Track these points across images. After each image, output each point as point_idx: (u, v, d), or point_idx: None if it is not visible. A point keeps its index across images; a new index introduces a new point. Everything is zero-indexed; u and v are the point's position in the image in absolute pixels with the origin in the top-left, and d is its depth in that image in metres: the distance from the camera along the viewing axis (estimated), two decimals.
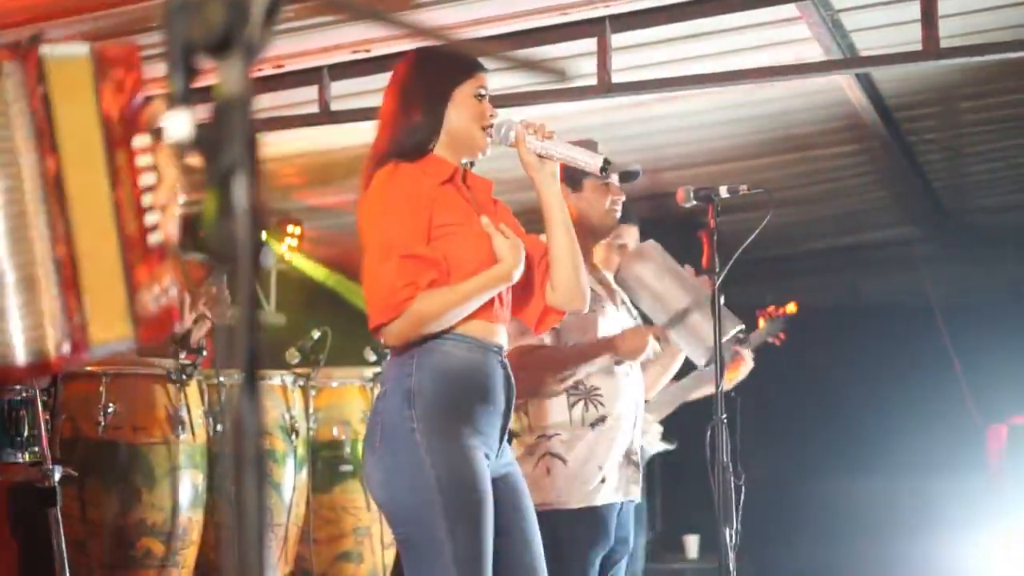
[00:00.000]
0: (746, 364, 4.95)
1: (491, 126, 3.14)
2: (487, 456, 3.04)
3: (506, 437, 3.16)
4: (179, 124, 1.39)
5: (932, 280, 8.61)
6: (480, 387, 3.06)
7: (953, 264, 8.82)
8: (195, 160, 1.39)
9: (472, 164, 3.27)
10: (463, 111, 3.12)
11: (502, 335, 3.15)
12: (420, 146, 3.11)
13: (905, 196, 7.75)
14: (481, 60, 3.20)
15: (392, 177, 3.03)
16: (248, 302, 1.33)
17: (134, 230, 1.84)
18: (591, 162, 3.14)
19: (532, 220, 3.32)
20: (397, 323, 2.95)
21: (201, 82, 1.40)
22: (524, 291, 3.26)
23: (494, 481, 3.07)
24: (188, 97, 1.39)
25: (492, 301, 3.09)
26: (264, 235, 1.36)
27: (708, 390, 4.89)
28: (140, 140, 1.85)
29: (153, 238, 1.85)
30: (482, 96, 3.14)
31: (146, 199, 1.85)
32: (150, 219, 1.85)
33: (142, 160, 1.85)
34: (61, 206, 1.77)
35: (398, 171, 3.04)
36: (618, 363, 3.95)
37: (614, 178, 3.99)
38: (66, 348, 1.76)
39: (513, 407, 3.16)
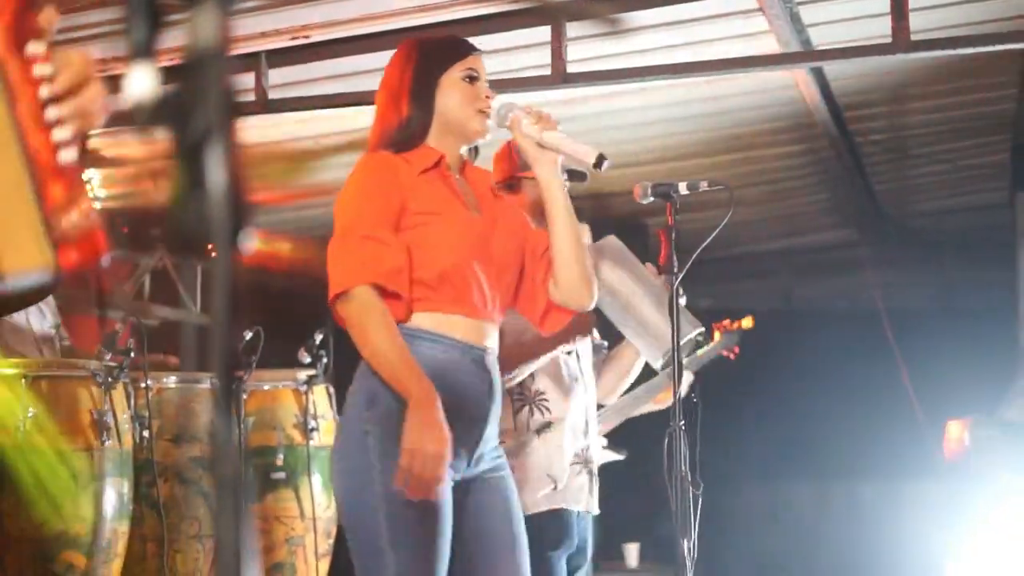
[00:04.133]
0: (684, 381, 4.79)
1: (486, 109, 3.03)
2: (452, 465, 2.88)
3: (490, 442, 3.02)
4: (141, 83, 1.17)
5: (871, 284, 8.58)
6: (449, 393, 2.90)
7: (889, 268, 8.81)
8: (160, 127, 1.17)
9: (476, 152, 3.16)
10: (452, 97, 3.02)
11: (489, 335, 3.02)
12: (411, 139, 3.02)
13: (846, 199, 7.71)
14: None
15: (366, 163, 2.98)
16: (225, 298, 1.12)
17: (40, 146, 1.62)
18: (584, 152, 3.00)
19: None
20: (345, 304, 2.86)
21: (167, 32, 1.18)
22: (525, 287, 3.14)
23: (469, 486, 2.97)
24: (151, 50, 1.17)
25: (474, 298, 2.96)
26: (243, 215, 1.14)
27: (652, 407, 4.75)
28: (35, 47, 1.63)
29: (64, 156, 1.64)
30: (474, 78, 3.03)
31: (51, 112, 1.63)
32: (58, 135, 1.64)
33: (40, 69, 1.63)
34: None
35: (373, 157, 2.98)
36: (568, 352, 3.80)
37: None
38: None
39: (495, 412, 3.02)
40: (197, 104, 1.13)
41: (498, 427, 3.07)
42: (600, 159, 2.98)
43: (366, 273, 2.85)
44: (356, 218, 2.91)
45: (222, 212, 1.12)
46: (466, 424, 2.93)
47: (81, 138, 1.68)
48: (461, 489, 2.95)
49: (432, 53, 3.06)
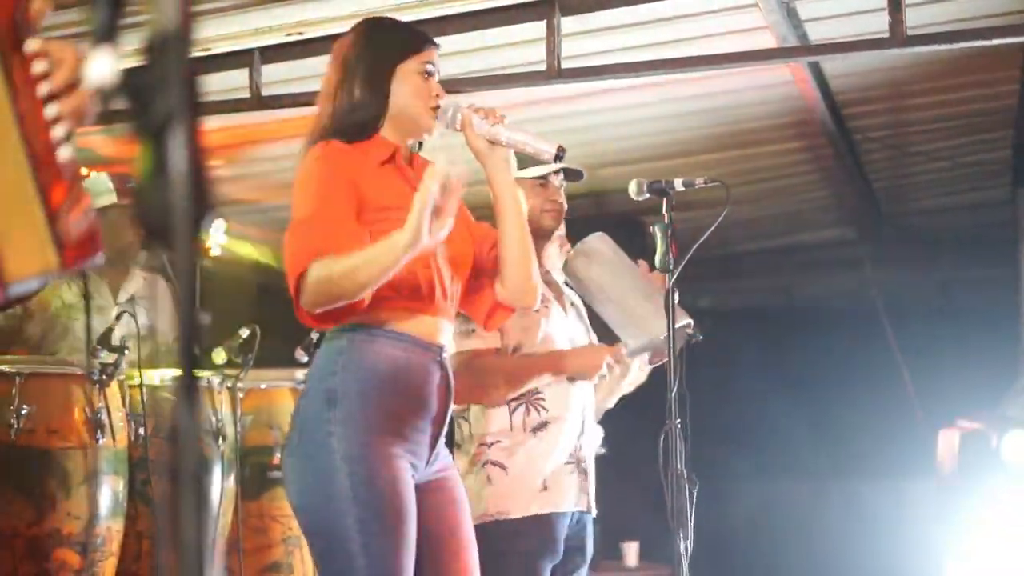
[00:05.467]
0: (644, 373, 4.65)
1: (438, 107, 2.93)
2: (414, 465, 2.85)
3: (442, 442, 2.97)
4: (102, 66, 1.15)
5: (870, 282, 8.56)
6: (411, 391, 2.86)
7: (888, 266, 8.77)
8: (122, 110, 1.15)
9: (420, 146, 3.06)
10: (407, 88, 2.91)
11: (444, 332, 2.94)
12: (363, 126, 2.91)
13: (844, 197, 7.68)
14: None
15: (322, 155, 2.84)
16: (187, 284, 1.10)
17: (42, 147, 1.61)
18: (544, 149, 2.92)
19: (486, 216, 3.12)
20: (302, 297, 2.73)
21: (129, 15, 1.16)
22: (473, 284, 3.05)
23: (423, 488, 2.90)
24: (113, 33, 1.15)
25: (436, 294, 2.88)
26: (206, 201, 1.12)
27: (630, 387, 4.70)
28: (31, 44, 1.61)
29: (63, 154, 1.62)
30: (429, 74, 2.94)
31: (49, 111, 1.61)
32: (57, 133, 1.62)
33: (38, 67, 1.61)
34: None
35: (329, 148, 2.85)
36: (570, 380, 3.77)
37: (557, 178, 3.82)
38: None
39: (450, 412, 2.97)
40: (159, 89, 1.11)
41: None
42: (560, 151, 2.92)
43: (323, 247, 2.71)
44: (315, 205, 2.78)
45: (184, 199, 1.10)
46: (424, 423, 2.89)
47: (74, 135, 1.66)
48: (417, 490, 2.88)
49: (391, 38, 2.95)
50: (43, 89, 1.61)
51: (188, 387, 1.13)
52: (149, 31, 1.11)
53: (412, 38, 2.96)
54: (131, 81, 1.13)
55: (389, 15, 4.29)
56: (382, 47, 2.92)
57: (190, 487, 1.11)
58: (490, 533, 3.62)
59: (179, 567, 1.10)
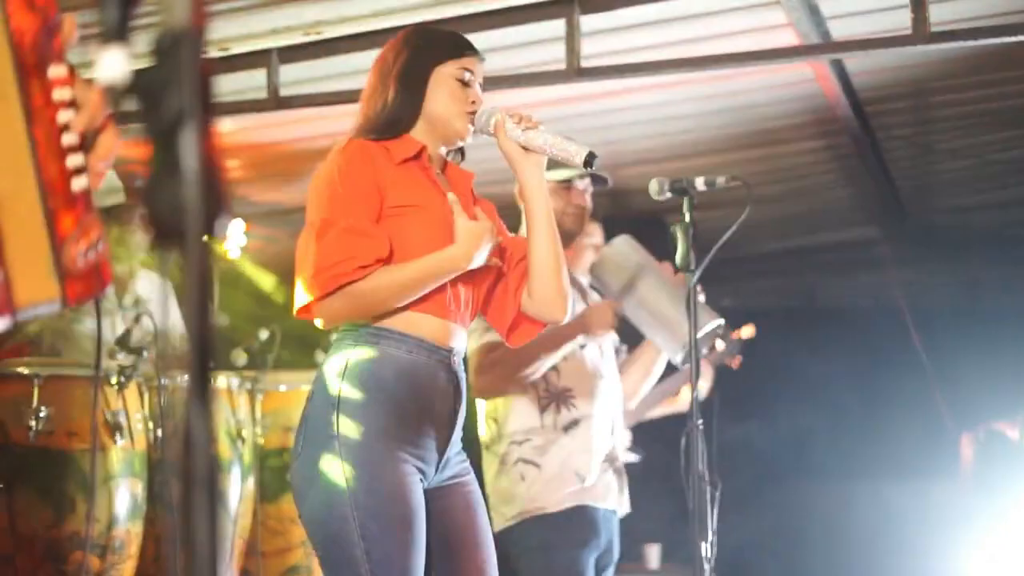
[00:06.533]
0: (704, 379, 4.67)
1: (474, 113, 2.92)
2: (422, 470, 2.81)
3: (455, 447, 2.93)
4: (113, 64, 1.12)
5: (894, 282, 8.50)
6: (418, 395, 2.82)
7: (912, 267, 8.72)
8: (132, 108, 1.13)
9: (462, 155, 3.05)
10: (441, 93, 2.91)
11: (457, 337, 2.90)
12: (394, 126, 2.90)
13: (868, 196, 7.63)
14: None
15: (344, 151, 2.83)
16: (198, 284, 1.07)
17: (55, 174, 1.56)
18: (576, 155, 2.89)
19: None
20: (332, 302, 2.72)
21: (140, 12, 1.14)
22: (496, 295, 3.02)
23: (435, 493, 2.86)
24: (124, 30, 1.13)
25: (446, 297, 2.85)
26: (218, 201, 1.10)
27: (667, 409, 4.68)
28: (55, 70, 1.57)
29: (77, 184, 1.58)
30: (467, 80, 2.92)
31: (67, 138, 1.57)
32: (72, 161, 1.57)
33: (59, 93, 1.57)
34: None
35: (351, 145, 2.85)
36: (582, 346, 3.77)
37: (581, 182, 3.82)
38: None
39: (460, 416, 2.92)
40: (170, 87, 1.09)
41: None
42: (590, 157, 2.89)
43: (348, 271, 2.72)
44: (335, 210, 2.77)
45: (195, 199, 1.07)
46: (434, 427, 2.85)
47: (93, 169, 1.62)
48: (428, 496, 2.85)
49: (429, 43, 2.95)
50: (63, 117, 1.58)
51: (200, 389, 1.10)
52: (160, 29, 1.08)
53: (451, 43, 2.97)
54: (142, 80, 1.10)
55: (408, 14, 4.30)
56: (420, 49, 2.93)
57: (202, 491, 1.08)
58: (531, 528, 3.62)
59: (192, 570, 1.08)
